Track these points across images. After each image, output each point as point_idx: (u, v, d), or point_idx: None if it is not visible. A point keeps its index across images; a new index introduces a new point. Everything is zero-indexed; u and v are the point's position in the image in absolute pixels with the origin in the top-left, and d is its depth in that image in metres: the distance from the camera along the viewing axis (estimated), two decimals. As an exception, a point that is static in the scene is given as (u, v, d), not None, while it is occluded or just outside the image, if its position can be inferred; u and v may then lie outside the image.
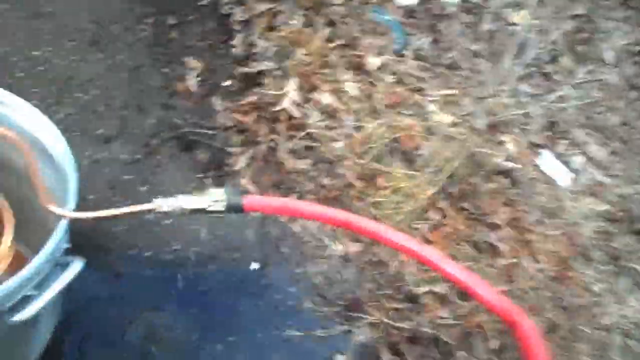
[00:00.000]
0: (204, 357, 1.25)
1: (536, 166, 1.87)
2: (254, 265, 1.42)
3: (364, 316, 1.40)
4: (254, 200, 0.79)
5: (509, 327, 0.64)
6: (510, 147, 1.85)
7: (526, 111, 1.99)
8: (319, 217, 0.79)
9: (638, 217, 1.88)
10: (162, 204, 0.84)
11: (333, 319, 1.38)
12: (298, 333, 1.34)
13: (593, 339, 1.56)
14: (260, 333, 1.33)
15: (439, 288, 1.50)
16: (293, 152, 1.63)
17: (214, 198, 0.85)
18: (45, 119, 1.01)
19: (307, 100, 1.73)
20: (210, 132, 1.65)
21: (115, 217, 0.82)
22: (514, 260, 1.63)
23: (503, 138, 1.86)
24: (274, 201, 0.80)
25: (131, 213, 0.82)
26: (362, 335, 1.38)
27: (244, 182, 1.55)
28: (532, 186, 1.80)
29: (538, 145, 1.93)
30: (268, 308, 1.36)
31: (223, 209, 0.84)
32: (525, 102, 2.02)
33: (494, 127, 1.88)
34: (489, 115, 1.88)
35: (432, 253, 0.71)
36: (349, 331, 1.37)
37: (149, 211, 0.83)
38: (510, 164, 1.80)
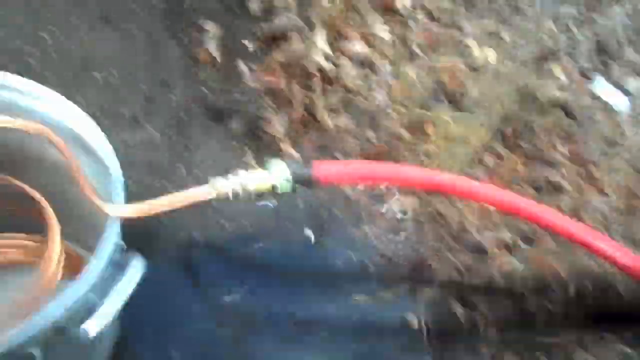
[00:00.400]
0: (273, 336, 1.19)
1: (590, 93, 1.74)
2: (309, 233, 1.35)
3: (431, 273, 1.33)
4: (325, 169, 0.69)
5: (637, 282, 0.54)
6: (561, 76, 1.71)
7: (573, 35, 1.84)
8: (403, 180, 0.69)
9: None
10: (224, 188, 0.74)
11: (399, 280, 1.31)
12: (365, 298, 1.28)
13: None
14: (326, 303, 1.26)
15: (505, 235, 1.41)
16: (331, 109, 1.52)
17: (280, 175, 0.74)
18: (74, 106, 0.92)
19: (338, 50, 1.61)
20: (240, 98, 1.54)
21: (172, 209, 0.74)
22: (580, 197, 1.53)
23: (552, 67, 1.72)
24: (348, 168, 0.71)
25: (189, 204, 0.74)
26: (431, 292, 1.31)
27: (284, 147, 1.46)
28: (589, 115, 1.67)
29: (590, 71, 1.79)
30: (330, 277, 1.30)
31: (291, 187, 0.74)
32: (570, 26, 1.86)
33: (541, 57, 1.74)
34: (534, 45, 1.74)
35: (538, 207, 0.61)
36: (418, 290, 1.30)
37: (210, 199, 0.73)
38: (563, 94, 1.67)
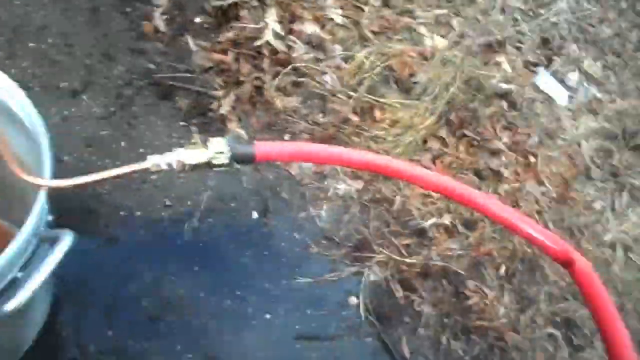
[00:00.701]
0: (213, 314, 1.19)
1: (533, 86, 1.80)
2: (254, 215, 1.34)
3: (373, 255, 1.35)
4: (266, 147, 0.69)
5: (563, 266, 0.57)
6: (507, 67, 1.76)
7: (519, 28, 1.89)
8: (341, 161, 0.70)
9: (634, 132, 1.85)
10: (158, 161, 0.72)
11: (342, 261, 1.33)
12: (308, 280, 1.28)
13: (596, 257, 1.56)
14: (269, 284, 1.26)
15: (446, 219, 1.45)
16: (281, 90, 1.51)
17: (217, 149, 0.73)
18: (3, 76, 0.87)
19: (290, 31, 1.59)
20: (188, 75, 1.50)
21: (103, 180, 0.71)
22: (518, 184, 1.59)
23: (498, 59, 1.77)
24: (288, 147, 0.70)
25: (123, 174, 0.71)
26: (373, 274, 1.34)
27: (232, 126, 1.44)
28: (531, 107, 1.74)
29: (534, 64, 1.85)
30: (274, 257, 1.30)
31: (228, 160, 0.73)
32: (518, 19, 1.92)
33: (488, 48, 1.78)
34: (482, 36, 1.78)
35: (472, 192, 0.63)
36: (360, 272, 1.32)
37: (144, 170, 0.72)
38: (508, 86, 1.72)
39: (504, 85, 1.72)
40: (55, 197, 1.22)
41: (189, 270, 1.23)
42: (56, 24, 1.48)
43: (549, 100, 1.80)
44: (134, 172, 0.72)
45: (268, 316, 1.22)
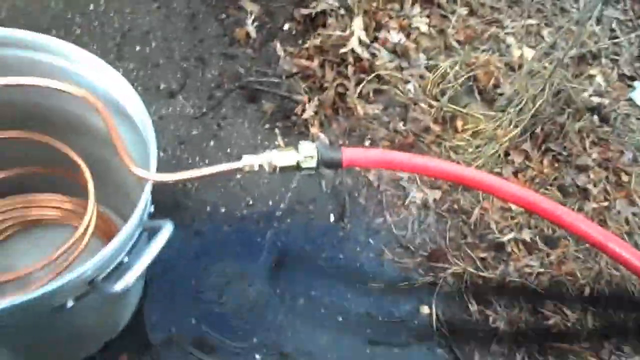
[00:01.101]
0: (287, 312, 1.23)
1: (629, 100, 1.70)
2: (332, 218, 1.37)
3: (448, 266, 1.34)
4: (353, 153, 0.71)
5: None
6: (600, 80, 1.68)
7: (616, 40, 1.80)
8: (425, 171, 0.71)
9: None
10: (252, 161, 0.77)
11: (416, 269, 1.33)
12: (381, 286, 1.30)
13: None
14: (342, 286, 1.29)
15: (525, 235, 1.41)
16: (363, 97, 1.53)
17: (307, 153, 0.77)
18: (119, 76, 0.95)
19: (375, 39, 1.61)
20: (274, 80, 1.56)
21: (202, 178, 0.77)
22: (607, 203, 1.51)
23: (591, 71, 1.69)
24: (374, 154, 0.72)
25: (219, 173, 0.77)
26: (447, 285, 1.32)
27: (314, 131, 1.48)
28: (625, 123, 1.64)
29: (630, 77, 1.75)
30: (348, 261, 1.32)
31: (316, 165, 0.76)
32: (616, 30, 1.82)
33: (581, 60, 1.71)
34: (574, 47, 1.70)
35: (557, 206, 0.62)
36: (434, 282, 1.32)
37: (239, 170, 0.77)
38: (600, 99, 1.64)
39: (597, 99, 1.64)
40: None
41: (266, 268, 1.28)
42: (159, 29, 1.60)
43: (645, 116, 1.69)
44: (230, 171, 0.77)
45: (340, 319, 1.25)
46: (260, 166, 0.79)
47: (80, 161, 0.98)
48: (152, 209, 0.86)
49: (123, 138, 0.87)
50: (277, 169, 0.78)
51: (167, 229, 0.75)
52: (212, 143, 1.45)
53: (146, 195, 0.77)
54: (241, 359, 1.16)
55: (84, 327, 0.97)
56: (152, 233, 0.79)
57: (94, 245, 0.95)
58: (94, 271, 0.73)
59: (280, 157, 0.78)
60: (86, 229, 0.92)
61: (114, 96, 0.95)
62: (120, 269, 0.73)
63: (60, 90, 0.85)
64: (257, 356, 1.17)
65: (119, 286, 0.69)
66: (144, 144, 0.89)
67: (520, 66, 1.60)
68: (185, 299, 1.21)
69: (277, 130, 1.49)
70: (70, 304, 0.73)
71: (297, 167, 0.79)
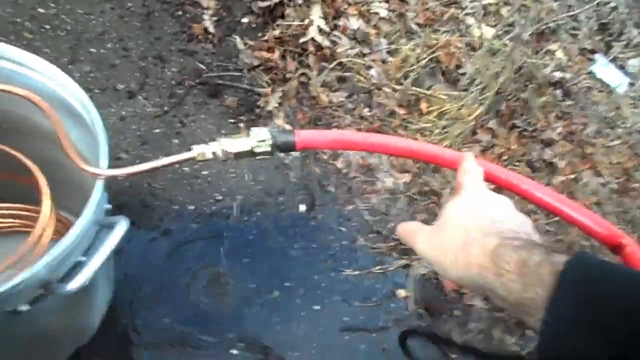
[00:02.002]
0: (263, 305, 1.21)
1: (590, 74, 1.72)
2: (302, 208, 1.36)
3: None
4: (306, 135, 0.70)
5: (613, 251, 0.55)
6: (561, 55, 1.70)
7: (574, 14, 1.82)
8: (380, 148, 0.70)
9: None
10: (203, 150, 0.75)
11: (390, 254, 1.33)
12: (355, 272, 1.29)
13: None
14: (317, 275, 1.28)
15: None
16: (326, 85, 1.52)
17: (259, 137, 0.75)
18: (65, 76, 0.93)
19: (335, 27, 1.60)
20: (236, 73, 1.54)
21: (153, 170, 0.75)
22: (574, 176, 1.52)
23: (551, 47, 1.71)
24: (328, 134, 0.71)
25: (170, 164, 0.74)
26: (421, 267, 1.32)
27: (279, 122, 1.46)
28: (587, 96, 1.66)
29: (590, 51, 1.77)
30: (321, 250, 1.31)
31: (270, 149, 0.75)
32: (573, 5, 1.84)
33: (540, 36, 1.72)
34: (534, 23, 1.72)
35: (517, 177, 0.61)
36: (408, 265, 1.31)
37: (190, 159, 0.74)
38: (561, 74, 1.66)
39: (558, 74, 1.66)
40: (113, 193, 1.29)
41: (239, 262, 1.26)
42: (114, 30, 1.56)
43: (607, 88, 1.72)
44: (182, 161, 0.75)
45: (316, 307, 1.24)
46: (214, 154, 0.76)
47: (30, 163, 0.95)
48: (108, 207, 0.84)
49: (73, 138, 0.84)
50: (231, 155, 0.76)
51: (122, 225, 0.73)
52: (175, 141, 1.43)
53: (98, 192, 0.74)
54: (218, 356, 1.14)
55: (49, 332, 0.94)
56: (106, 230, 0.77)
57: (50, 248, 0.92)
58: (47, 272, 0.70)
59: (232, 143, 0.76)
60: (41, 233, 0.89)
61: (63, 97, 0.93)
62: (78, 269, 0.71)
63: (2, 90, 0.82)
64: (234, 351, 1.15)
65: (73, 285, 0.66)
66: (98, 144, 0.86)
67: (481, 45, 1.61)
68: (158, 299, 1.18)
69: (241, 125, 1.47)
70: (24, 307, 0.70)
71: (252, 153, 0.77)
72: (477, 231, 0.43)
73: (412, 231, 0.50)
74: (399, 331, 1.23)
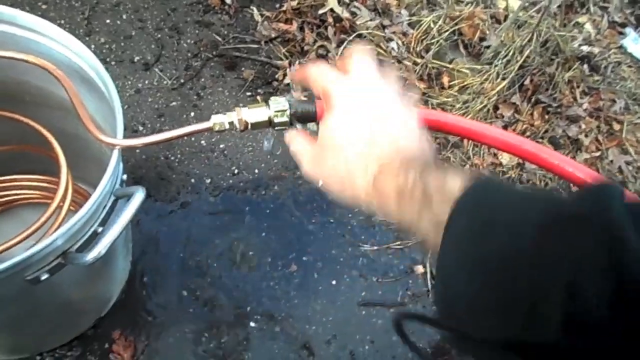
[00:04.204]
0: (280, 279, 1.21)
1: (620, 48, 1.66)
2: (320, 182, 1.34)
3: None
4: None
5: None
6: (589, 28, 1.64)
7: (604, -16, 1.74)
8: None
9: None
10: (221, 119, 0.72)
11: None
12: (373, 248, 1.28)
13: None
14: (335, 250, 1.27)
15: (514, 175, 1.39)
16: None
17: (278, 107, 0.72)
18: (81, 45, 0.91)
19: (354, -2, 1.56)
20: (253, 45, 1.51)
21: (170, 140, 0.73)
22: (598, 153, 1.48)
23: (580, 19, 1.64)
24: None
25: (188, 134, 0.73)
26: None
27: (297, 95, 1.43)
28: (616, 71, 1.60)
29: (621, 25, 1.70)
30: (339, 225, 1.30)
31: (289, 119, 0.72)
32: (603, -26, 1.76)
33: (569, 8, 1.66)
34: (561, -6, 1.66)
35: (503, 134, 0.57)
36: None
37: (208, 129, 0.73)
38: (590, 48, 1.60)
39: (586, 48, 1.60)
40: (130, 167, 1.29)
41: (257, 235, 1.26)
42: (129, 0, 1.54)
43: (637, 63, 1.65)
44: (199, 131, 0.73)
45: (334, 282, 1.23)
46: (231, 124, 0.74)
47: (47, 134, 0.94)
48: (124, 177, 0.83)
49: (90, 109, 0.83)
50: (249, 125, 0.73)
51: (138, 195, 0.72)
52: (192, 114, 1.41)
53: (114, 162, 0.73)
54: (235, 328, 1.15)
55: (70, 302, 0.95)
56: (123, 201, 0.76)
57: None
58: (65, 241, 0.70)
59: (250, 113, 0.73)
60: (60, 204, 0.89)
61: (79, 66, 0.91)
62: (95, 239, 0.71)
63: (15, 59, 0.80)
64: (252, 324, 1.16)
65: (92, 254, 0.66)
66: (114, 115, 0.85)
67: (506, 17, 1.55)
68: (175, 272, 1.19)
69: (258, 97, 1.45)
70: (44, 276, 0.70)
71: (270, 123, 0.74)
72: (356, 160, 0.42)
73: (299, 151, 0.49)
74: (417, 307, 1.22)
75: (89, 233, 0.73)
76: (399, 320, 0.43)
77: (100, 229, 0.74)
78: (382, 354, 1.16)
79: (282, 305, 1.18)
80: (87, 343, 1.07)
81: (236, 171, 1.34)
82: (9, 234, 0.90)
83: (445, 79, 1.47)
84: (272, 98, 0.74)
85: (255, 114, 0.71)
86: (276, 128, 0.76)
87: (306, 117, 0.73)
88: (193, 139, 1.38)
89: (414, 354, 1.12)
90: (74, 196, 0.99)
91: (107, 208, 0.76)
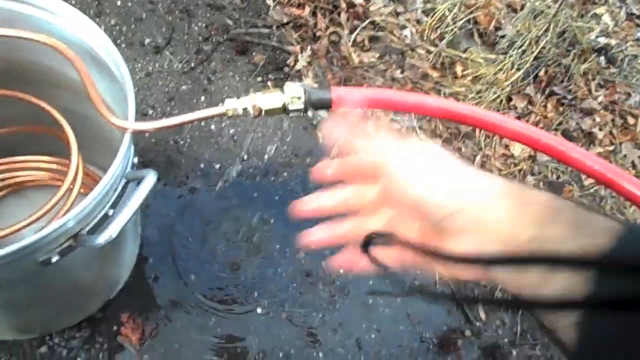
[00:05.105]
0: (287, 266, 1.21)
1: (637, 40, 1.63)
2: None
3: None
4: (344, 92, 0.66)
5: None
6: (607, 20, 1.60)
7: (623, -26, 1.71)
8: (424, 109, 0.66)
9: None
10: (235, 105, 0.71)
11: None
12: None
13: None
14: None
15: (528, 181, 1.37)
16: (358, 45, 1.47)
17: (293, 94, 0.71)
18: (92, 23, 0.90)
19: (368, -16, 1.54)
20: (264, 30, 1.50)
21: (183, 124, 0.72)
22: (612, 147, 1.46)
23: (598, 10, 1.61)
24: (368, 92, 0.67)
25: (200, 118, 0.72)
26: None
27: (308, 82, 1.42)
28: (632, 64, 1.58)
29: (639, 17, 1.67)
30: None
31: (304, 106, 0.71)
32: (623, -36, 1.73)
33: (586, -2, 1.63)
34: (579, -16, 1.62)
35: (564, 143, 0.57)
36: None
37: (221, 115, 0.72)
38: (607, 40, 1.57)
39: (603, 40, 1.57)
40: (140, 150, 1.29)
41: (265, 222, 1.25)
42: (141, -18, 1.53)
43: (654, 55, 1.62)
44: (213, 116, 0.72)
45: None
46: (245, 109, 0.73)
47: (58, 115, 0.94)
48: (135, 160, 0.83)
49: (101, 90, 0.82)
50: (263, 111, 0.72)
51: (150, 178, 0.71)
52: (202, 98, 1.40)
53: (126, 145, 0.73)
54: (242, 314, 1.15)
55: (80, 284, 0.95)
56: (134, 184, 0.76)
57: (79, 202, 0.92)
58: (76, 224, 0.70)
59: (265, 99, 0.72)
60: (71, 186, 0.88)
61: (90, 47, 0.90)
62: (106, 222, 0.71)
63: (25, 38, 0.79)
64: (259, 310, 1.16)
65: (102, 238, 0.66)
66: (126, 98, 0.84)
67: (522, 6, 1.53)
68: (184, 256, 1.19)
69: (269, 83, 1.43)
70: (55, 258, 0.70)
71: (284, 110, 0.73)
72: None
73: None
74: (425, 299, 1.22)
75: (100, 215, 0.73)
76: (368, 241, 0.41)
77: (111, 212, 0.74)
78: (388, 343, 1.16)
79: (289, 292, 1.18)
80: (96, 325, 1.07)
81: (246, 157, 1.34)
82: (17, 216, 0.90)
83: (458, 68, 1.45)
84: (287, 84, 0.73)
85: (269, 99, 0.70)
86: (290, 115, 0.75)
87: (321, 104, 0.71)
88: (203, 123, 1.37)
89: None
90: (84, 179, 0.99)
91: (118, 191, 0.75)
